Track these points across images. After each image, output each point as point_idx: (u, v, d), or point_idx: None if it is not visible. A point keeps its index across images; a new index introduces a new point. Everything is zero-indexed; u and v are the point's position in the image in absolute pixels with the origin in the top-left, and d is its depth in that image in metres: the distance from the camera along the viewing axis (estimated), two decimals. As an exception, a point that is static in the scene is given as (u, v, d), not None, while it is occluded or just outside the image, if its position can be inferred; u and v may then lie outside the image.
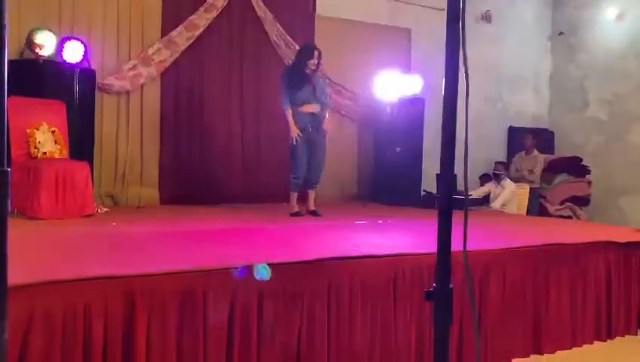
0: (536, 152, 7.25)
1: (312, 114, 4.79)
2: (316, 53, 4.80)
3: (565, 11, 8.28)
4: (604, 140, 7.70)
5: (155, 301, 2.15)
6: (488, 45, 7.58)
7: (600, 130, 7.74)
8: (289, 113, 4.76)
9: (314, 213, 4.85)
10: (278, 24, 6.19)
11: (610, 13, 7.65)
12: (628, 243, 3.68)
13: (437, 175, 5.59)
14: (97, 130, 5.25)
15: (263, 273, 3.93)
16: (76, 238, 3.28)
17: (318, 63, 4.82)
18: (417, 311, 2.72)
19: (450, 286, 1.09)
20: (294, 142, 4.73)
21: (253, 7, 6.09)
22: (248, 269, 2.83)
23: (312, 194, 4.96)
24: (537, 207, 6.95)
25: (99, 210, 4.55)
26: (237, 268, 3.37)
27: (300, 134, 4.71)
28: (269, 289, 2.36)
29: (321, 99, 4.85)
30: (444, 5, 1.33)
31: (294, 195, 4.90)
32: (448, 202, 1.13)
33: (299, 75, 4.78)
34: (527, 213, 6.58)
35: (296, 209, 4.84)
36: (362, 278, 2.61)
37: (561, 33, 8.29)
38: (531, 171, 7.07)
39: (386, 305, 2.66)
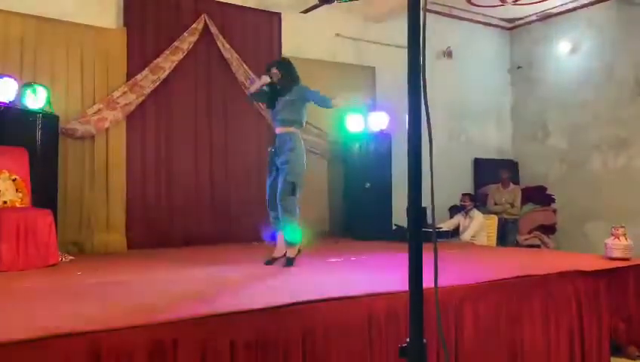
0: (512, 185, 7.38)
1: (276, 135, 4.28)
2: (268, 66, 4.33)
3: (522, 46, 8.63)
4: (565, 169, 7.93)
5: (122, 356, 2.06)
6: (450, 80, 7.81)
7: (561, 159, 7.99)
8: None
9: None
10: (244, 65, 6.24)
11: (564, 47, 8.01)
12: (595, 272, 3.74)
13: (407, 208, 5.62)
14: (61, 175, 5.12)
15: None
16: (38, 291, 3.14)
17: (282, 77, 4.24)
18: (394, 355, 2.67)
19: (424, 341, 1.07)
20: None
21: (219, 49, 6.14)
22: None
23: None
24: (513, 237, 7.10)
25: (63, 259, 4.41)
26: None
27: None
28: (241, 338, 2.29)
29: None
30: (406, 43, 1.36)
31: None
32: (418, 254, 1.11)
33: (271, 95, 4.35)
34: (504, 244, 6.69)
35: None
36: (337, 321, 2.56)
37: (519, 67, 8.61)
38: (512, 205, 7.19)
39: (362, 348, 2.61)
